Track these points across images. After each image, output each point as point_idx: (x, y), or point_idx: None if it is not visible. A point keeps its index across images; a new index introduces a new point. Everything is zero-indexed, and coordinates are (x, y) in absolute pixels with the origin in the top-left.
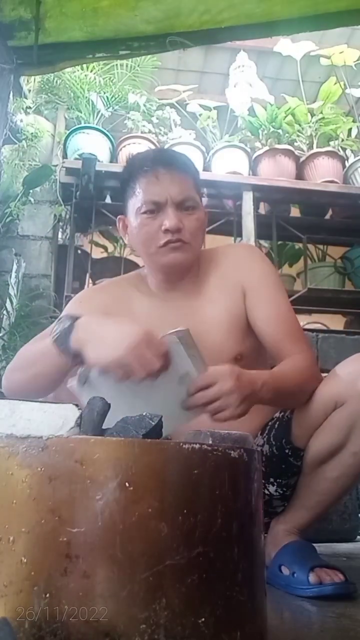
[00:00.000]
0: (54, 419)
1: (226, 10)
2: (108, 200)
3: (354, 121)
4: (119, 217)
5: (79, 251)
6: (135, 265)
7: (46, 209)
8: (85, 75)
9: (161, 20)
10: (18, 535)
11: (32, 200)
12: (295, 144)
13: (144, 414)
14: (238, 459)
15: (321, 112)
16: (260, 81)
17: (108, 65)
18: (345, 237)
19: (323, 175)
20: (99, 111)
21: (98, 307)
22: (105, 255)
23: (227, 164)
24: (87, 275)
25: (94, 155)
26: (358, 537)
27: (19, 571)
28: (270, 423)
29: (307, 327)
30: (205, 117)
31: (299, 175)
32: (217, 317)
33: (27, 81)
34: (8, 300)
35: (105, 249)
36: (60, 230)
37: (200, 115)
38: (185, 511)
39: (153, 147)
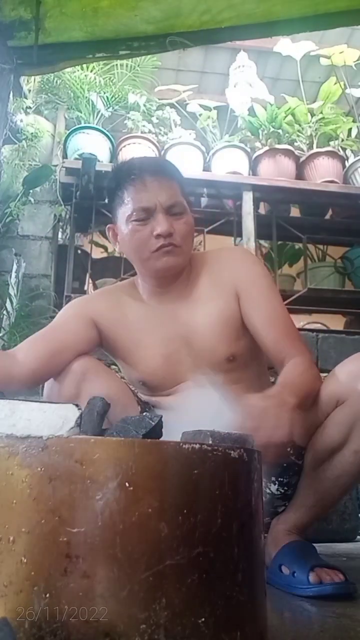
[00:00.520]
0: (54, 419)
1: (226, 10)
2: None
3: (354, 121)
4: (108, 226)
5: (79, 251)
6: None
7: (46, 209)
8: (85, 75)
9: (161, 20)
10: (18, 535)
11: (32, 200)
12: (295, 144)
13: (144, 414)
14: (238, 459)
15: (321, 112)
16: (260, 81)
17: (108, 65)
18: (345, 237)
19: (323, 175)
20: (99, 111)
21: (90, 315)
22: (105, 255)
23: (227, 164)
24: (87, 275)
25: (94, 155)
26: (358, 537)
27: (19, 571)
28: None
29: (307, 327)
30: (205, 117)
31: (299, 175)
32: (210, 320)
33: (27, 81)
34: (8, 300)
35: (105, 249)
36: (60, 230)
37: (200, 115)
38: (185, 511)
39: (153, 147)
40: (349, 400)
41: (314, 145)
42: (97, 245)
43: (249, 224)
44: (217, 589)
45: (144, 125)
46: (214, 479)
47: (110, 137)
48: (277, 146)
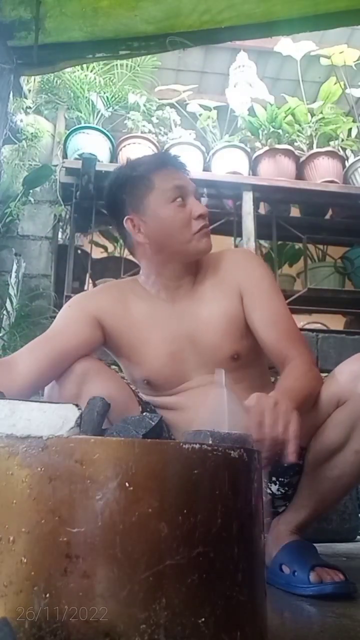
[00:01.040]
0: (54, 419)
1: (226, 10)
2: None
3: (354, 121)
4: (127, 217)
5: (79, 251)
6: (135, 265)
7: (46, 209)
8: (85, 75)
9: (161, 20)
10: (18, 535)
11: (32, 200)
12: (295, 144)
13: (144, 414)
14: (238, 459)
15: (321, 112)
16: (260, 81)
17: (108, 65)
18: (345, 237)
19: (323, 175)
20: (99, 111)
21: (93, 313)
22: (105, 255)
23: (227, 164)
24: (87, 275)
25: (94, 155)
26: (358, 537)
27: (19, 571)
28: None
29: (307, 327)
30: (205, 117)
31: (299, 175)
32: (214, 318)
33: (27, 81)
34: (8, 300)
35: (105, 249)
36: (60, 230)
37: (200, 115)
38: (185, 511)
39: (153, 147)
40: (349, 401)
41: (314, 145)
42: (97, 245)
43: (249, 224)
44: (217, 589)
45: (144, 125)
46: (214, 479)
47: (110, 137)
48: (277, 146)
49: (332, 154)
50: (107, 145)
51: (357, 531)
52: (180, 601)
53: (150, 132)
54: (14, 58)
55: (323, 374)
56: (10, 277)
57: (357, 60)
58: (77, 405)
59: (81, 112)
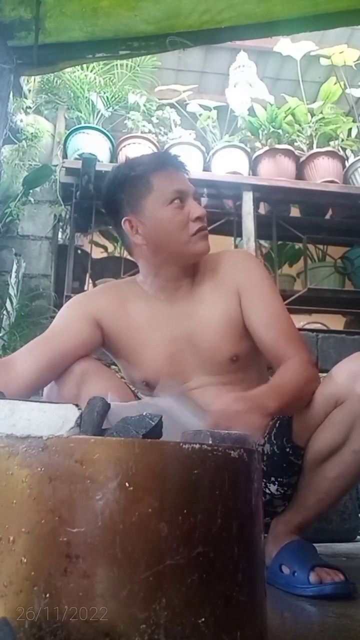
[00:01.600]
0: (54, 419)
1: (226, 10)
2: None
3: (354, 121)
4: (126, 218)
5: (79, 251)
6: (135, 265)
7: (46, 209)
8: (85, 75)
9: (161, 20)
10: (18, 535)
11: (32, 200)
12: (295, 144)
13: (144, 414)
14: (238, 459)
15: (321, 112)
16: (260, 81)
17: (108, 65)
18: (345, 237)
19: (323, 175)
20: (99, 111)
21: (93, 313)
22: (105, 255)
23: (227, 164)
24: (87, 275)
25: (94, 155)
26: (358, 537)
27: (19, 571)
28: (270, 422)
29: (307, 327)
30: (205, 117)
31: (299, 175)
32: (213, 320)
33: (27, 81)
34: (8, 300)
35: (105, 249)
36: (60, 230)
37: (200, 115)
38: (185, 511)
39: (153, 147)
40: (348, 401)
41: (314, 145)
42: (97, 245)
43: (249, 224)
44: (217, 589)
45: (144, 125)
46: (214, 479)
47: (110, 137)
48: (277, 146)
49: (332, 154)
50: (107, 145)
51: (357, 531)
52: (180, 601)
53: (150, 132)
54: (14, 58)
55: (323, 374)
56: (10, 277)
57: (357, 60)
58: (77, 405)
59: (81, 112)
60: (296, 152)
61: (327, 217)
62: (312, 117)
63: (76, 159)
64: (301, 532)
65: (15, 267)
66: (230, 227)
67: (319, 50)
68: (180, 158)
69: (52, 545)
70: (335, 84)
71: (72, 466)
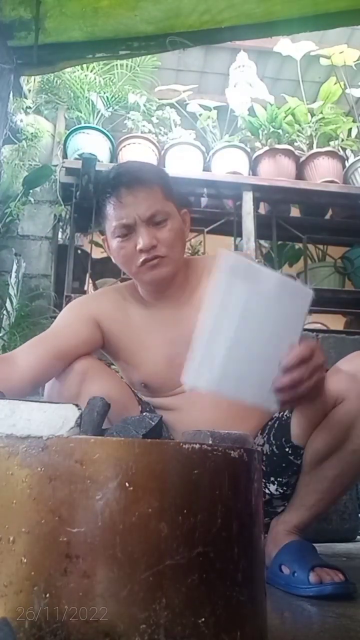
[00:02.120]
0: (54, 419)
1: (226, 10)
2: None
3: (354, 121)
4: (102, 237)
5: (79, 251)
6: None
7: (46, 209)
8: (85, 75)
9: (161, 20)
10: (18, 535)
11: (32, 200)
12: (295, 144)
13: (144, 414)
14: (238, 459)
15: (321, 112)
16: (260, 81)
17: (108, 65)
18: (345, 237)
19: (323, 175)
20: (99, 111)
21: (93, 315)
22: (105, 255)
23: (227, 164)
24: (87, 275)
25: (94, 155)
26: (358, 537)
27: (19, 571)
28: (270, 422)
29: (307, 327)
30: (205, 117)
31: (299, 175)
32: None
33: (27, 81)
34: (8, 300)
35: None
36: (60, 230)
37: (200, 115)
38: (185, 511)
39: (153, 147)
40: (346, 400)
41: (314, 145)
42: (97, 245)
43: (249, 224)
44: (217, 589)
45: (144, 125)
46: (214, 479)
47: (110, 137)
48: (277, 146)
49: (332, 154)
50: (107, 145)
51: (357, 531)
52: (180, 601)
53: (150, 132)
54: (14, 58)
55: None
56: (10, 277)
57: (357, 60)
58: (77, 405)
59: (81, 112)
60: (296, 152)
61: (327, 217)
62: (312, 117)
63: (76, 159)
64: (301, 532)
65: (15, 267)
66: (230, 227)
67: (319, 50)
68: (141, 173)
69: (52, 545)
70: (335, 84)
71: (72, 466)
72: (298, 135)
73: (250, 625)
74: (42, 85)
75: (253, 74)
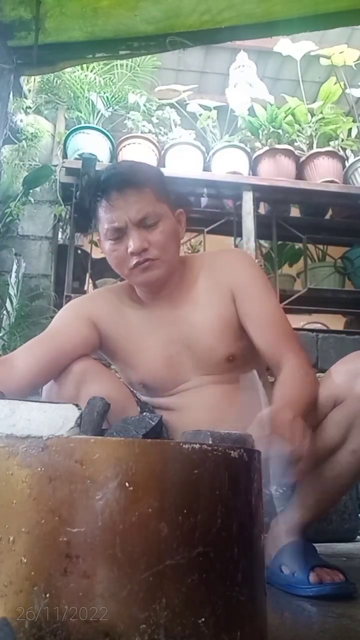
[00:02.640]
0: (54, 419)
1: (226, 10)
2: None
3: (354, 121)
4: (98, 238)
5: (79, 251)
6: None
7: (46, 209)
8: (85, 75)
9: (161, 20)
10: (18, 535)
11: (32, 200)
12: (295, 144)
13: (143, 414)
14: (238, 459)
15: (321, 112)
16: (260, 81)
17: (108, 65)
18: (345, 237)
19: (323, 175)
20: (99, 111)
21: (90, 316)
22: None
23: (227, 164)
24: (87, 275)
25: (94, 155)
26: (358, 537)
27: (19, 571)
28: None
29: (307, 327)
30: (205, 117)
31: (299, 175)
32: (208, 321)
33: (27, 81)
34: (8, 300)
35: None
36: (60, 230)
37: (200, 115)
38: (185, 511)
39: (153, 147)
40: (346, 401)
41: (314, 145)
42: (97, 245)
43: (249, 224)
44: (217, 589)
45: (144, 125)
46: (214, 479)
47: (110, 137)
48: (277, 146)
49: (332, 154)
50: (107, 145)
51: (357, 531)
52: (180, 601)
53: (150, 132)
54: (14, 58)
55: (322, 374)
56: (10, 277)
57: (357, 60)
58: (77, 405)
59: (81, 112)
60: (296, 152)
61: (327, 217)
62: (312, 117)
63: (76, 159)
64: (301, 532)
65: (15, 267)
66: (230, 227)
67: (319, 50)
68: (131, 175)
69: (52, 545)
70: (335, 84)
71: (72, 466)
72: (298, 135)
73: (250, 625)
74: (42, 85)
75: (253, 74)
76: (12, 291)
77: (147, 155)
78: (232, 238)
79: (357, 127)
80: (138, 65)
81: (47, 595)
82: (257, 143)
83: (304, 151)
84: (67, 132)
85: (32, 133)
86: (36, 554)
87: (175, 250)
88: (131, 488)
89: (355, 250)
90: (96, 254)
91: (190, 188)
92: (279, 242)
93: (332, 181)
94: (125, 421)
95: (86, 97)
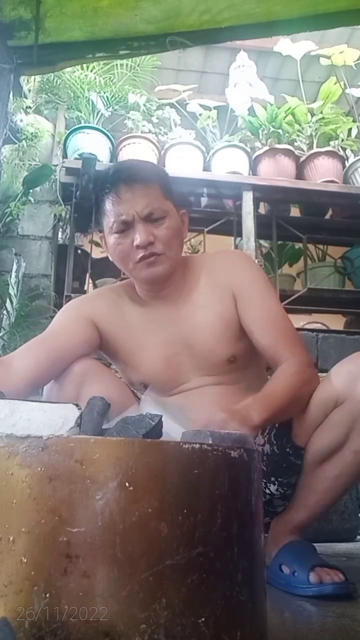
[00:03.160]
0: (54, 419)
1: (226, 10)
2: None
3: (354, 121)
4: (100, 234)
5: (79, 251)
6: None
7: (46, 209)
8: (85, 75)
9: (161, 20)
10: (18, 535)
11: (32, 200)
12: (295, 144)
13: (143, 413)
14: (238, 459)
15: (321, 112)
16: (260, 81)
17: (108, 65)
18: (345, 237)
19: (323, 175)
20: (99, 111)
21: (90, 316)
22: (105, 255)
23: (227, 164)
24: (87, 275)
25: (94, 155)
26: (358, 537)
27: (19, 571)
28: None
29: (307, 327)
30: (205, 117)
31: (299, 175)
32: (208, 322)
33: (27, 81)
34: (8, 300)
35: None
36: (60, 230)
37: (200, 115)
38: (185, 511)
39: (153, 147)
40: (347, 401)
41: (314, 145)
42: (97, 245)
43: (249, 224)
44: (217, 589)
45: (144, 125)
46: (214, 479)
47: (110, 137)
48: (277, 146)
49: (332, 154)
50: (107, 145)
51: (357, 531)
52: (180, 601)
53: (150, 132)
54: (14, 58)
55: (322, 374)
56: (10, 277)
57: (357, 60)
58: (77, 405)
59: (81, 112)
60: (296, 152)
61: (327, 217)
62: (312, 117)
63: (76, 158)
64: (301, 532)
65: (15, 267)
66: (230, 227)
67: (319, 50)
68: (140, 170)
69: (52, 545)
70: (335, 83)
71: (72, 466)
72: (298, 135)
73: (250, 625)
74: (42, 85)
75: (253, 74)
76: (12, 291)
77: (147, 155)
78: (232, 238)
79: (357, 127)
80: (138, 65)
81: (47, 595)
82: (257, 143)
83: (304, 151)
84: (67, 132)
85: (32, 133)
86: (36, 553)
87: (179, 248)
88: (131, 488)
89: (355, 250)
90: (96, 254)
91: (190, 188)
92: (279, 242)
93: (332, 181)
94: (125, 421)
95: (86, 97)
